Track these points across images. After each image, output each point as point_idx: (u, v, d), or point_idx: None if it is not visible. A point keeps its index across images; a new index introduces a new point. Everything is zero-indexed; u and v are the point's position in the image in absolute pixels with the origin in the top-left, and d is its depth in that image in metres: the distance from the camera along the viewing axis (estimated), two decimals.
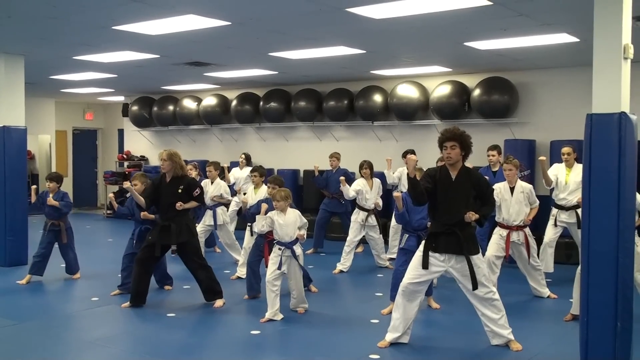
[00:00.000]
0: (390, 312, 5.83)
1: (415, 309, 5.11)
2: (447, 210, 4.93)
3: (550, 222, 7.42)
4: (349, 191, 8.27)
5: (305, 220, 6.13)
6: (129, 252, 6.94)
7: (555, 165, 7.51)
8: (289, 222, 5.98)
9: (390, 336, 5.16)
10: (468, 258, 4.87)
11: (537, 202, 6.74)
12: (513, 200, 6.60)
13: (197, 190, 6.46)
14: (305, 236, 6.06)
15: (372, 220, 8.32)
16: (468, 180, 4.96)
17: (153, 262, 6.50)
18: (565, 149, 7.36)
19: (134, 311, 6.35)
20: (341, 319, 6.06)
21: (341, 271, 8.27)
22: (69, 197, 7.70)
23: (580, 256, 4.71)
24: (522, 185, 6.68)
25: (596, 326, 4.49)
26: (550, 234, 7.39)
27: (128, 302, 6.44)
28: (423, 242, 5.09)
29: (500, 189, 6.63)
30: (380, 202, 8.41)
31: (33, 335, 5.58)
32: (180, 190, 6.34)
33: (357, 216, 8.37)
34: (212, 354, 5.16)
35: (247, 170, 9.67)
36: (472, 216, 4.87)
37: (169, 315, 6.16)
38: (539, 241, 7.34)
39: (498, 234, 6.68)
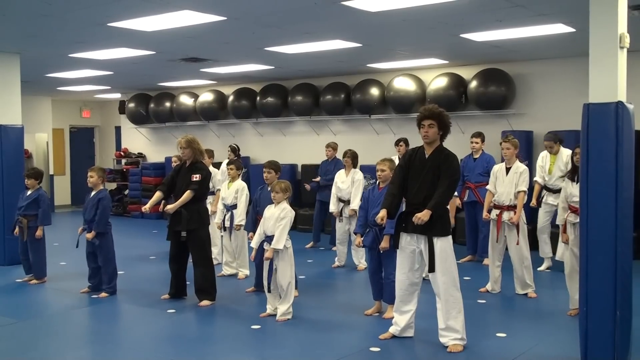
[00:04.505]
0: (375, 313, 5.90)
1: (413, 301, 5.10)
2: (417, 189, 4.83)
3: (542, 208, 7.72)
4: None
5: (288, 217, 5.70)
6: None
7: (541, 154, 7.90)
8: (273, 216, 5.74)
9: (393, 329, 5.17)
10: (430, 238, 4.78)
11: (522, 188, 6.43)
12: (507, 180, 6.52)
13: (196, 175, 6.35)
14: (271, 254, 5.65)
15: (347, 211, 8.13)
16: (438, 160, 4.82)
17: (184, 255, 6.52)
18: (547, 142, 7.73)
19: (134, 308, 6.36)
20: (342, 313, 6.06)
21: (339, 265, 8.27)
22: (44, 197, 7.39)
23: (580, 246, 4.72)
24: (517, 166, 6.56)
25: (596, 316, 4.50)
26: (542, 219, 7.73)
27: (167, 294, 6.56)
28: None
29: (497, 168, 6.69)
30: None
31: (32, 333, 5.58)
32: (192, 176, 6.35)
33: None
34: (212, 348, 5.17)
35: None
36: (417, 220, 4.65)
37: (169, 311, 6.16)
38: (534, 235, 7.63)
39: (492, 218, 6.61)
